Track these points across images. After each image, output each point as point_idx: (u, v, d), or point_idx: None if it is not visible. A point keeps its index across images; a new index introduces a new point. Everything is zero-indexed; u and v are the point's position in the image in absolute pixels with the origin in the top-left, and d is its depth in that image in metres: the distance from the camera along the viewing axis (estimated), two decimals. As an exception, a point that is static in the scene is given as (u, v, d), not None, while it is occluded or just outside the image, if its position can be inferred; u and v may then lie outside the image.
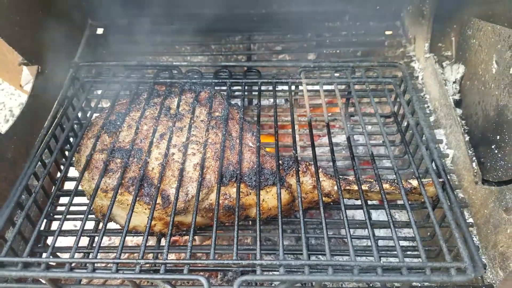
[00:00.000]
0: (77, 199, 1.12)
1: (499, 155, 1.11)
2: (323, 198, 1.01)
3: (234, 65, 1.32)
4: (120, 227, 1.06)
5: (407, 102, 1.17)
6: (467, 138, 1.25)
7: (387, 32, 1.82)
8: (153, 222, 0.95)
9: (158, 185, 0.91)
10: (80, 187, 1.03)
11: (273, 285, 1.16)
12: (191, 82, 1.25)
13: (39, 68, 1.42)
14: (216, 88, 1.26)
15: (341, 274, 0.73)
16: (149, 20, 1.78)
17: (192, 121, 1.09)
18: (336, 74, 1.28)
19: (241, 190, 0.95)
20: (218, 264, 0.77)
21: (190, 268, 0.79)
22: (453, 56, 1.55)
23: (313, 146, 1.02)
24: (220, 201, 0.95)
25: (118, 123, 1.08)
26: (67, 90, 1.23)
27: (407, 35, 1.78)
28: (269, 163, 1.02)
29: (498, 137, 1.12)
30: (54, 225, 1.20)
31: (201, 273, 0.95)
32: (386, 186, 0.96)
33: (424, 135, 1.05)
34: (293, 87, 1.31)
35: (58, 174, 1.23)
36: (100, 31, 1.87)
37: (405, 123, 1.18)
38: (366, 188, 0.97)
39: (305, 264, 0.74)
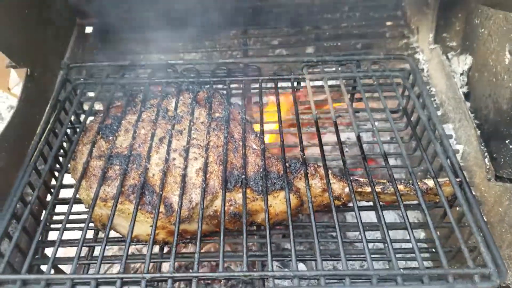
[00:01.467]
0: (73, 207, 1.07)
1: (514, 150, 1.07)
2: (334, 201, 0.96)
3: (233, 62, 1.26)
4: (120, 235, 1.01)
5: (417, 96, 1.12)
6: (478, 132, 1.21)
7: (388, 23, 1.77)
8: (156, 231, 0.90)
9: (160, 192, 0.86)
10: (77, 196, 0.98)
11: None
12: (188, 81, 1.19)
13: (28, 71, 1.35)
14: (214, 87, 1.20)
15: (359, 284, 0.69)
16: (139, 16, 1.71)
17: (191, 123, 1.04)
18: (340, 68, 1.22)
19: (247, 195, 0.90)
20: (228, 276, 0.72)
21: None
22: (459, 46, 1.50)
23: (321, 147, 0.97)
24: (226, 208, 0.90)
25: (115, 127, 1.02)
26: (58, 93, 1.16)
27: (409, 25, 1.73)
28: (275, 166, 0.97)
29: (512, 131, 1.08)
30: (51, 235, 1.15)
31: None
32: (400, 187, 0.92)
33: (437, 131, 1.00)
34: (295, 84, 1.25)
35: (53, 182, 1.17)
36: (89, 29, 1.80)
37: (413, 118, 1.13)
38: (379, 190, 0.93)
39: (320, 275, 0.69)
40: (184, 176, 0.90)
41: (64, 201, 1.10)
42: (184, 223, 0.88)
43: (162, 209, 0.86)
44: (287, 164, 0.95)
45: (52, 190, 1.05)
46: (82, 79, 1.23)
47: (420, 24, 1.66)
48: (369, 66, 1.20)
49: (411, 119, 1.13)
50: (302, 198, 0.95)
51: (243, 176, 0.91)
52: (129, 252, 1.25)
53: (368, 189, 0.92)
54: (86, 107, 1.25)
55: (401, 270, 0.69)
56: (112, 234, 1.05)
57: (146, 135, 1.01)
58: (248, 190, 0.91)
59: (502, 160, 1.11)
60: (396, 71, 1.21)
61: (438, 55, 1.48)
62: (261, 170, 0.93)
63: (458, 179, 0.86)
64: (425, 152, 0.95)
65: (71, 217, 1.06)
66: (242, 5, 1.75)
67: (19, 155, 1.16)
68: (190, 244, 1.21)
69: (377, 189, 0.92)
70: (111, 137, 0.99)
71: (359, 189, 0.94)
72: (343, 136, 1.49)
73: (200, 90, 1.17)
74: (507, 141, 1.10)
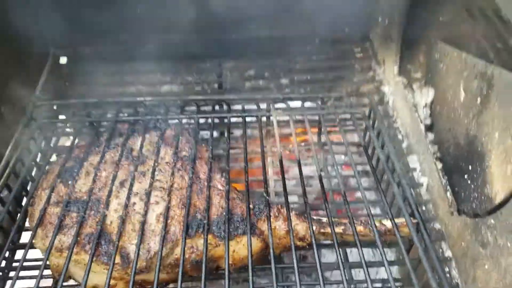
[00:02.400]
0: (33, 253, 1.03)
1: (472, 186, 1.10)
2: (298, 242, 0.96)
3: (203, 99, 1.28)
4: (79, 284, 0.97)
5: (377, 135, 1.15)
6: (440, 166, 1.24)
7: (358, 55, 1.83)
8: (114, 282, 0.87)
9: (117, 243, 0.84)
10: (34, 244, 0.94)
11: None
12: (156, 118, 1.19)
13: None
14: (183, 121, 1.21)
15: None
16: (115, 47, 1.72)
17: (156, 164, 1.03)
18: (307, 104, 1.25)
19: (209, 241, 0.89)
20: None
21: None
22: (423, 78, 1.55)
23: (284, 188, 0.98)
24: (187, 255, 0.88)
25: (75, 170, 1.01)
26: (21, 134, 1.15)
27: (376, 57, 1.79)
28: (240, 207, 0.96)
29: (470, 167, 1.11)
30: (7, 284, 1.09)
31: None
32: (360, 228, 0.93)
33: (395, 171, 1.03)
34: (263, 119, 1.27)
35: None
36: (63, 60, 1.79)
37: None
38: (341, 231, 0.93)
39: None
40: (143, 223, 0.88)
41: (23, 246, 1.06)
42: (143, 273, 0.86)
43: (118, 260, 0.84)
44: (251, 206, 0.95)
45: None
46: (47, 119, 1.22)
47: (386, 56, 1.72)
48: (332, 103, 1.24)
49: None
50: (266, 240, 0.94)
51: (205, 221, 0.90)
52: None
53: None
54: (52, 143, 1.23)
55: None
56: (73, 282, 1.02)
57: (107, 178, 0.99)
58: (210, 235, 0.90)
59: (463, 194, 1.14)
60: (359, 106, 1.26)
61: (401, 88, 1.53)
62: (224, 213, 0.92)
63: (414, 221, 0.88)
64: (385, 194, 0.97)
65: (30, 263, 1.03)
66: (218, 37, 1.79)
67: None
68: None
69: (338, 231, 0.93)
70: (70, 182, 0.97)
71: (322, 230, 0.95)
72: (312, 169, 1.51)
73: (168, 128, 1.17)
74: (465, 176, 1.13)
